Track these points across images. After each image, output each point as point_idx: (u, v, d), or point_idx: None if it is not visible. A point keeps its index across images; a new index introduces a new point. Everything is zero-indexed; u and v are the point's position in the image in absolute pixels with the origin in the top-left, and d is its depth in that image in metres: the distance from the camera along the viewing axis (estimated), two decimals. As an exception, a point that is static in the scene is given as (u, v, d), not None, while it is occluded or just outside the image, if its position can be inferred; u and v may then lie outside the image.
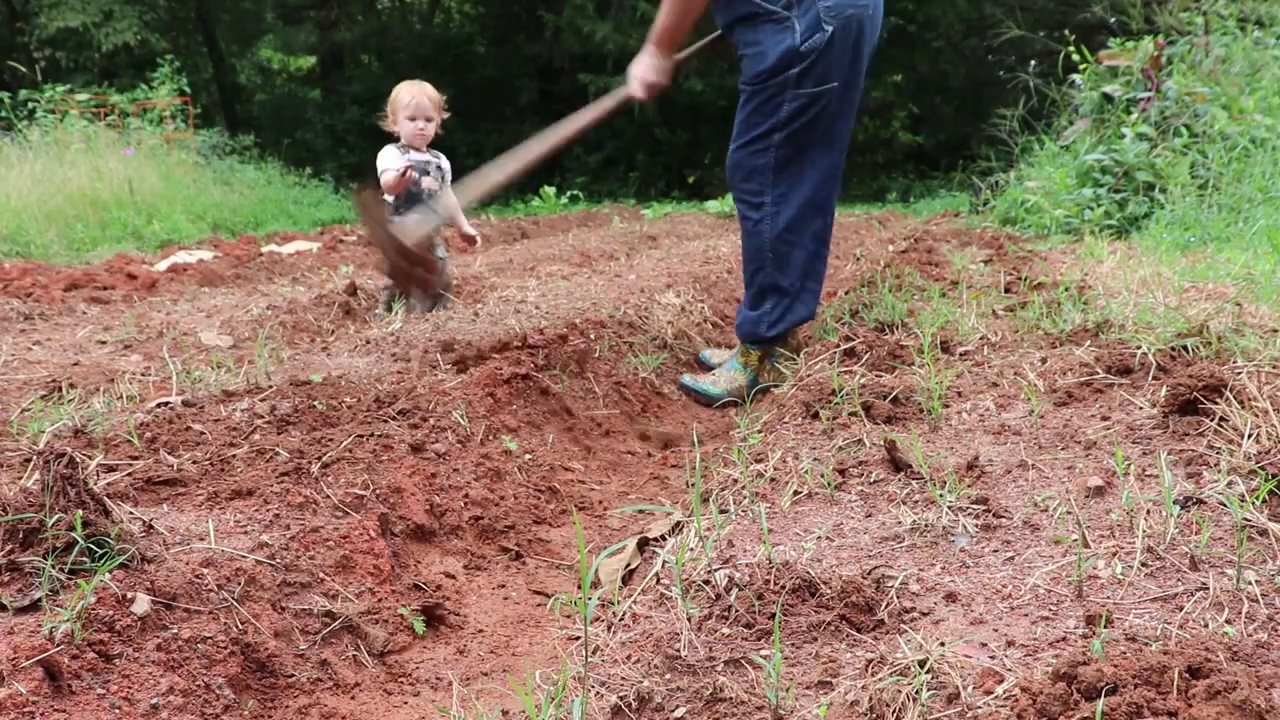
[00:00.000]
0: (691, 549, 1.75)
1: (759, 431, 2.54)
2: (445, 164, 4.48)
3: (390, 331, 3.63)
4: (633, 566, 2.02)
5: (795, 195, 3.37)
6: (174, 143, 11.93)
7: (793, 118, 3.30)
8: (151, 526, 1.71)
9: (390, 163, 4.26)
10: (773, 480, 2.07)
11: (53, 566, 1.48)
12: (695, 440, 2.55)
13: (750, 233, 3.45)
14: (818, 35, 3.19)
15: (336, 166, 17.41)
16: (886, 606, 1.46)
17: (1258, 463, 1.70)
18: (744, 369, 3.56)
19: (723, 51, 3.70)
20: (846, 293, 4.58)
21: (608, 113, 3.63)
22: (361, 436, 2.28)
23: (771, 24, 3.24)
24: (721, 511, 1.94)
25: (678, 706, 1.32)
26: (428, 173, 4.37)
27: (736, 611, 1.49)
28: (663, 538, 2.10)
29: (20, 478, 1.95)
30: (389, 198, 4.32)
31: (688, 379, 3.68)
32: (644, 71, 3.49)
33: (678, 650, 1.43)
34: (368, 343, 3.43)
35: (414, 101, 4.35)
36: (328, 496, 1.99)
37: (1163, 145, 6.68)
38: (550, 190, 14.18)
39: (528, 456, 2.62)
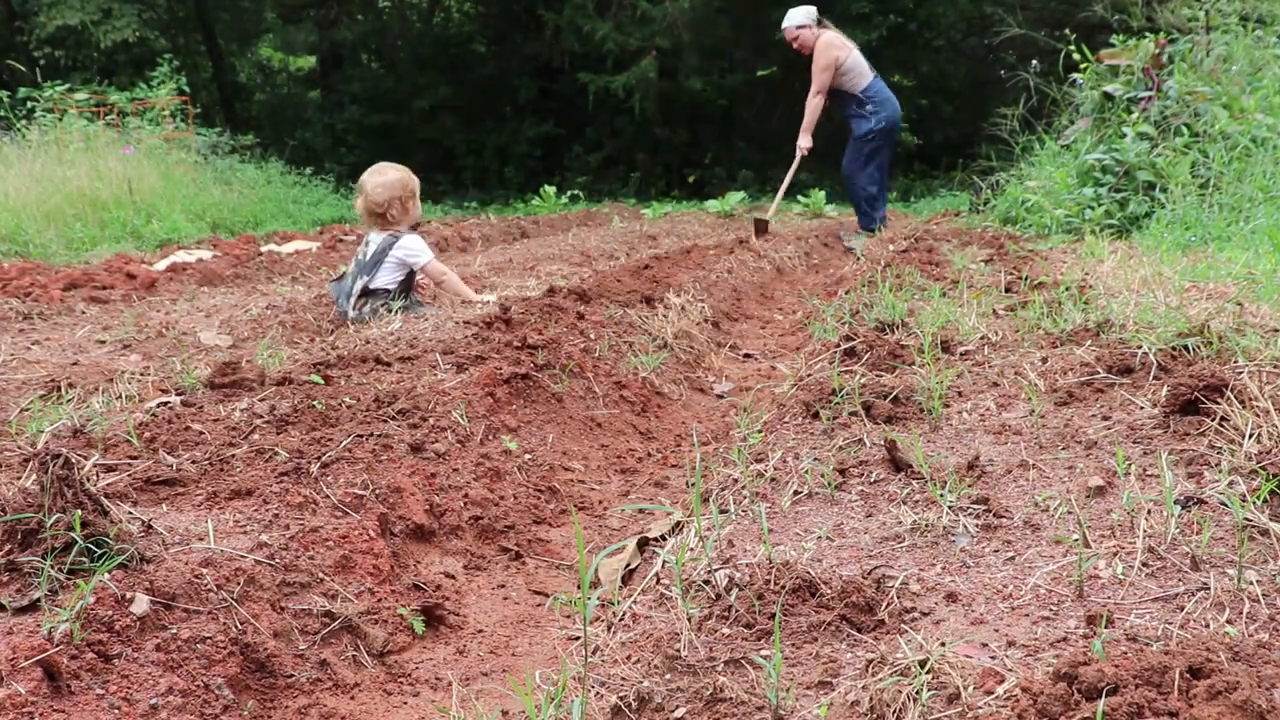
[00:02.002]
0: (691, 549, 1.75)
1: (759, 431, 2.54)
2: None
3: (390, 331, 3.63)
4: (633, 566, 2.02)
5: (875, 179, 8.46)
6: (173, 142, 11.91)
7: (873, 153, 8.39)
8: (150, 526, 1.71)
9: (431, 253, 4.36)
10: (773, 480, 2.06)
11: (52, 567, 1.48)
12: (695, 440, 2.55)
13: (858, 197, 8.55)
14: (882, 124, 8.31)
15: (337, 166, 17.40)
16: (887, 606, 1.46)
17: (1259, 462, 1.70)
18: (861, 239, 8.19)
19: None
20: (847, 292, 4.58)
21: (794, 174, 8.86)
22: (361, 436, 2.28)
23: (861, 115, 8.32)
24: (721, 511, 1.94)
25: (678, 707, 1.31)
26: None
27: (736, 611, 1.49)
28: (663, 538, 2.09)
29: (19, 478, 1.95)
30: (391, 285, 4.27)
31: (844, 236, 8.80)
32: (806, 143, 8.47)
33: (678, 650, 1.43)
34: (367, 342, 3.43)
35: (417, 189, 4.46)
36: (327, 496, 1.98)
37: (1164, 144, 6.68)
38: (550, 190, 14.16)
39: (528, 456, 2.62)
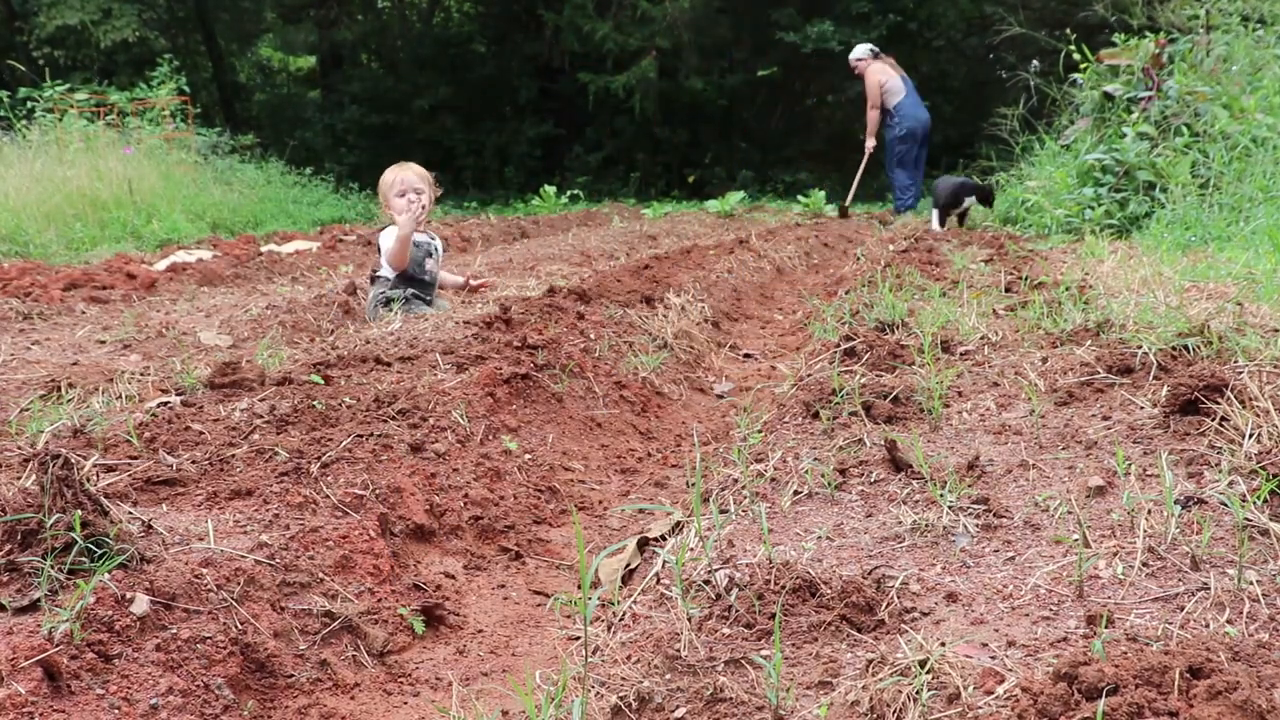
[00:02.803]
0: (691, 549, 1.75)
1: (759, 431, 2.54)
2: (439, 244, 4.52)
3: (390, 331, 3.63)
4: (633, 566, 2.02)
5: (908, 173, 11.66)
6: (173, 142, 11.91)
7: (904, 155, 11.62)
8: (150, 526, 1.71)
9: (390, 241, 4.29)
10: (773, 480, 2.06)
11: (52, 567, 1.48)
12: (695, 440, 2.55)
13: (897, 187, 11.88)
14: (902, 131, 11.51)
15: (337, 166, 17.39)
16: (887, 606, 1.46)
17: (1259, 462, 1.70)
18: (899, 220, 10.45)
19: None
20: (847, 293, 4.58)
21: (864, 166, 12.04)
22: (361, 436, 2.28)
23: (890, 126, 11.56)
24: (721, 511, 1.94)
25: (678, 707, 1.31)
26: (430, 254, 4.39)
27: (736, 611, 1.49)
28: (663, 538, 2.09)
29: (19, 478, 1.95)
30: (389, 274, 4.28)
31: (886, 220, 10.99)
32: (871, 144, 11.78)
33: (678, 650, 1.43)
34: (367, 342, 3.43)
35: (397, 178, 4.32)
36: (327, 496, 1.98)
37: (1164, 144, 6.68)
38: (550, 190, 14.16)
39: (528, 456, 2.62)
